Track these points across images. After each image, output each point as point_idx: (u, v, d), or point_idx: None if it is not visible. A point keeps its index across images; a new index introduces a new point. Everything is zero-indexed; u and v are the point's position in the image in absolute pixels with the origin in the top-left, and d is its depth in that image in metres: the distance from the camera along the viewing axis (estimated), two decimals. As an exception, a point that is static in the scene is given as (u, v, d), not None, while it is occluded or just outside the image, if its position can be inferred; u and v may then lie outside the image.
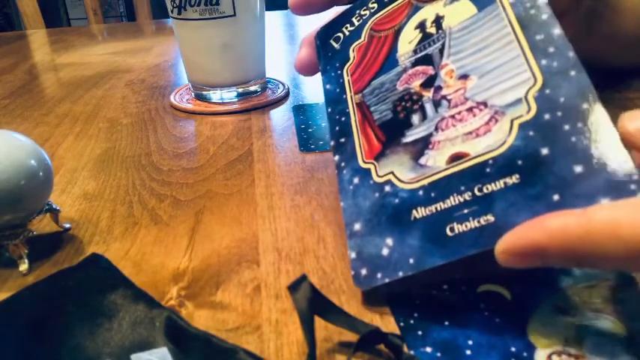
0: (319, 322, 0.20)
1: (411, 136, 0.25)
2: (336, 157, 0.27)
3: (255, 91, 0.52)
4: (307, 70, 0.33)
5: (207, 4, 0.45)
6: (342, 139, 0.27)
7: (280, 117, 0.48)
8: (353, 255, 0.24)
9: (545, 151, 0.20)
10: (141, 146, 0.43)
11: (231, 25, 0.47)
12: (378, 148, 0.26)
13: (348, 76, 0.29)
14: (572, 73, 0.21)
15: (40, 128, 0.48)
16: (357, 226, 0.24)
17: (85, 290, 0.24)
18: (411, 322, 0.22)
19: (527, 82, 0.22)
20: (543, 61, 0.22)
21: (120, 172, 0.38)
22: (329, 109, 0.29)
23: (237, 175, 0.37)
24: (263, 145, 0.42)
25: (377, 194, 0.24)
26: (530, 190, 0.20)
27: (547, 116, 0.21)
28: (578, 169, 0.19)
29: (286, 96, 0.53)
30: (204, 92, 0.51)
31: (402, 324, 0.22)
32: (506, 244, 0.19)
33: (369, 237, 0.24)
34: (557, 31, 0.22)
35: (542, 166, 0.20)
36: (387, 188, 0.24)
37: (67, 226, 0.31)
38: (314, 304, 0.20)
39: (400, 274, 0.22)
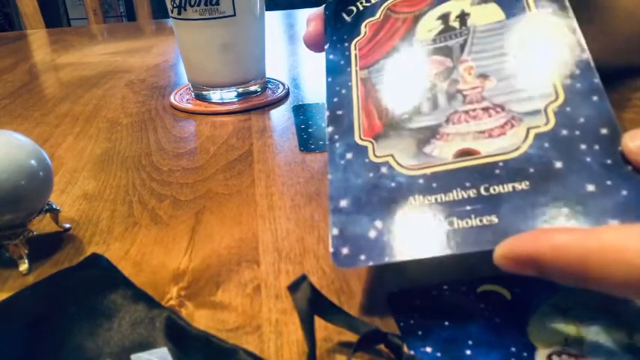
0: (319, 322, 0.20)
1: (418, 122, 0.24)
2: (330, 129, 0.26)
3: (255, 91, 0.52)
4: (317, 44, 0.32)
5: (207, 4, 0.45)
6: (340, 112, 0.27)
7: (280, 117, 0.48)
8: (335, 231, 0.22)
9: (558, 164, 0.20)
10: (141, 146, 0.43)
11: (231, 25, 0.47)
12: (379, 128, 0.25)
13: (355, 50, 0.29)
14: (595, 98, 0.21)
15: (40, 128, 0.48)
16: (344, 203, 0.23)
17: (85, 290, 0.24)
18: (411, 322, 0.22)
19: (549, 96, 0.22)
20: (567, 81, 0.22)
21: (120, 172, 0.38)
22: (329, 79, 0.28)
23: (237, 175, 0.37)
24: (263, 145, 0.42)
25: (371, 174, 0.24)
26: (538, 198, 0.20)
27: (564, 132, 0.21)
28: (591, 187, 0.19)
29: (286, 96, 0.53)
30: (204, 92, 0.51)
31: (402, 324, 0.22)
32: (506, 249, 0.19)
33: (355, 215, 0.23)
34: (585, 55, 0.23)
35: (554, 178, 0.20)
36: (384, 170, 0.24)
37: (67, 226, 0.31)
38: (314, 304, 0.20)
39: (386, 259, 0.21)
